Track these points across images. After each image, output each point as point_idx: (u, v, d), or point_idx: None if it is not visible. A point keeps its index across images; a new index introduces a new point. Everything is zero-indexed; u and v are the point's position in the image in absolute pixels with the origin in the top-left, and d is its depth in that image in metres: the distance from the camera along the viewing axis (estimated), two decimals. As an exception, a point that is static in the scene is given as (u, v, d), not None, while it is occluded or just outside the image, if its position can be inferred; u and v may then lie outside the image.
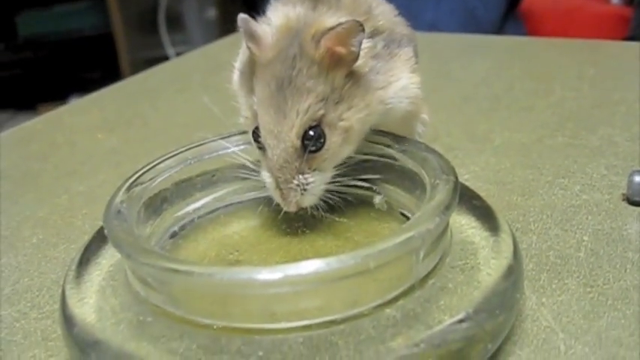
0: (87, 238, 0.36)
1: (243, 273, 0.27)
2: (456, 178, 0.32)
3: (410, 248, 0.28)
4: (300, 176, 0.34)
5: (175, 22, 2.13)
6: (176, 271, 0.27)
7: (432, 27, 1.04)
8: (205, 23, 2.13)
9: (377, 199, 0.38)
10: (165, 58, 2.06)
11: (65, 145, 0.58)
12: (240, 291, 0.27)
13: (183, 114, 0.64)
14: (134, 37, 2.01)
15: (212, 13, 2.10)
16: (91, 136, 0.60)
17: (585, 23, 1.33)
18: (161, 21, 2.07)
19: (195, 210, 0.39)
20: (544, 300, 0.33)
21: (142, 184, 0.35)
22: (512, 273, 0.31)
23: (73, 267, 0.33)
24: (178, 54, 2.07)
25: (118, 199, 0.33)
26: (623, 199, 0.42)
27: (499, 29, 1.14)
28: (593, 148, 0.49)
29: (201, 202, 0.39)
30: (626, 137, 0.51)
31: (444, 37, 0.88)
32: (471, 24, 1.08)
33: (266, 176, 0.35)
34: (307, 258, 0.34)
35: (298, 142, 0.33)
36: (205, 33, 2.12)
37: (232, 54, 0.40)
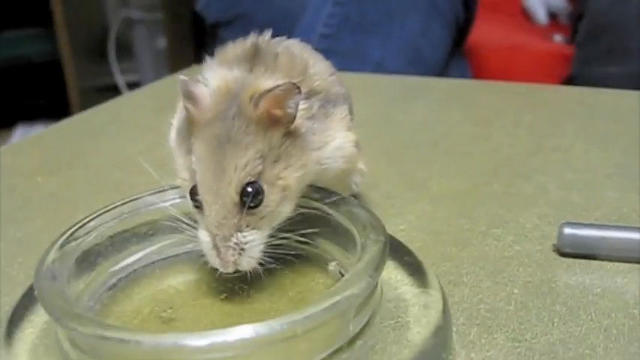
0: (21, 290, 0.36)
1: (169, 340, 0.27)
2: (385, 238, 0.33)
3: (337, 312, 0.28)
4: (239, 234, 0.34)
5: (125, 50, 2.12)
6: (104, 337, 0.27)
7: (379, 66, 1.06)
8: (155, 52, 2.13)
9: (331, 266, 0.38)
10: (114, 86, 2.06)
11: (3, 189, 0.57)
12: (168, 357, 0.27)
13: (125, 156, 0.63)
14: (83, 65, 1.99)
15: (162, 42, 2.09)
16: (31, 178, 0.59)
17: (529, 61, 1.36)
18: (111, 49, 2.05)
19: (130, 264, 0.39)
20: (473, 355, 0.34)
21: (75, 239, 0.35)
22: (441, 331, 0.31)
23: (4, 324, 0.33)
24: (128, 82, 2.07)
25: (49, 258, 0.33)
26: (554, 250, 0.43)
27: (445, 68, 1.16)
28: (526, 197, 0.51)
29: (136, 255, 0.39)
30: (559, 185, 0.52)
31: (387, 79, 0.90)
32: (418, 63, 1.09)
33: (203, 235, 0.35)
34: (242, 315, 0.35)
35: (237, 198, 0.34)
36: (155, 62, 2.12)
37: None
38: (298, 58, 0.39)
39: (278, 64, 0.37)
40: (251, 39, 0.39)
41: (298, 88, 0.34)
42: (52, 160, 0.64)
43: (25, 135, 1.85)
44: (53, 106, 1.91)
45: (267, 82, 0.35)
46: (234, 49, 0.39)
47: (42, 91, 2.08)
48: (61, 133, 0.73)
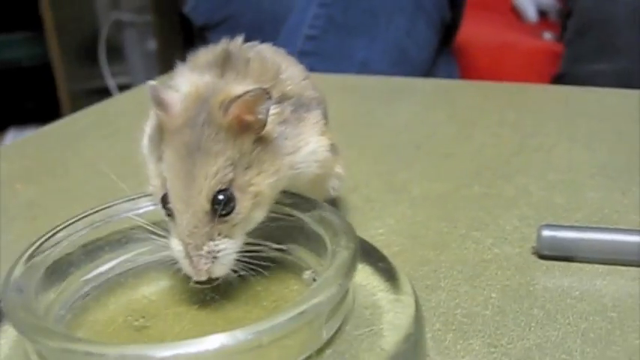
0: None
1: (134, 352, 0.26)
2: (355, 244, 0.33)
3: (304, 321, 0.28)
4: (211, 242, 0.34)
5: (115, 53, 2.11)
6: (69, 350, 0.27)
7: (364, 66, 1.05)
8: (146, 54, 2.13)
9: (305, 275, 0.37)
10: (105, 89, 2.05)
11: (-18, 196, 0.57)
12: (134, 370, 0.27)
13: (107, 162, 0.63)
14: (73, 68, 1.98)
15: (152, 44, 2.09)
16: (9, 186, 0.59)
17: (518, 59, 1.36)
18: (101, 52, 2.05)
19: (103, 272, 0.38)
20: (448, 362, 0.33)
21: (44, 250, 0.35)
22: (413, 338, 0.31)
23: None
24: (119, 85, 2.06)
25: (17, 270, 0.33)
26: (533, 253, 0.43)
27: (432, 67, 1.16)
28: (507, 199, 0.50)
29: (110, 264, 0.39)
30: (541, 186, 0.52)
31: (371, 80, 0.89)
32: (404, 63, 1.09)
33: (175, 244, 0.35)
34: (215, 324, 0.34)
35: (208, 206, 0.33)
36: (146, 64, 2.12)
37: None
38: (270, 63, 0.38)
39: (249, 70, 0.37)
40: (222, 44, 0.39)
41: (268, 93, 0.34)
42: (32, 166, 0.63)
43: (16, 139, 1.85)
44: (44, 110, 1.90)
45: (237, 87, 0.35)
46: (206, 54, 0.39)
47: (32, 94, 2.07)
48: (42, 139, 0.73)
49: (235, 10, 1.31)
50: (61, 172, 0.62)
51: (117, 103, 0.87)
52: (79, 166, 0.63)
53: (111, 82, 2.06)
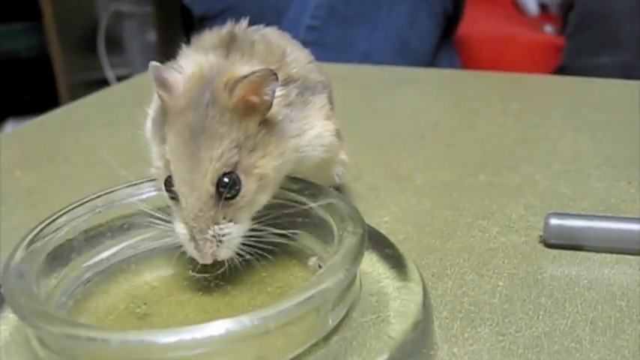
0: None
1: (137, 337, 0.26)
2: (363, 230, 0.32)
3: (311, 307, 0.27)
4: (216, 226, 0.33)
5: (115, 44, 2.10)
6: (70, 336, 0.26)
7: (366, 57, 1.05)
8: (145, 46, 2.11)
9: (311, 261, 0.37)
10: (104, 80, 2.04)
11: (-19, 183, 0.56)
12: (136, 355, 0.26)
13: (107, 150, 0.62)
14: (72, 60, 1.97)
15: (152, 36, 2.08)
16: (10, 173, 0.58)
17: (519, 52, 1.35)
18: (100, 43, 2.04)
19: (105, 258, 0.38)
20: (455, 350, 0.33)
21: (44, 236, 0.34)
22: (421, 326, 0.31)
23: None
24: (118, 76, 2.05)
25: (17, 256, 0.32)
26: (540, 241, 0.42)
27: (433, 59, 1.15)
28: (513, 187, 0.50)
29: (112, 250, 0.38)
30: (546, 176, 0.51)
31: (375, 69, 0.89)
32: (405, 54, 1.08)
33: (179, 227, 0.34)
34: (219, 311, 0.34)
35: (213, 189, 0.33)
36: (145, 56, 2.10)
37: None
38: (275, 45, 0.38)
39: (254, 51, 0.36)
40: (228, 27, 0.38)
41: (275, 74, 0.33)
42: (32, 154, 0.63)
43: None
44: (43, 101, 1.89)
45: (243, 68, 0.34)
46: (211, 36, 0.38)
47: (31, 86, 2.06)
48: (42, 128, 0.72)
49: (235, 1, 1.31)
50: (61, 160, 0.61)
51: (116, 92, 0.87)
52: (79, 153, 0.63)
53: (110, 74, 2.05)
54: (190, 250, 0.34)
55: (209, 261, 0.34)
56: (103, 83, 2.02)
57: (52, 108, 0.77)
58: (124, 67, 2.10)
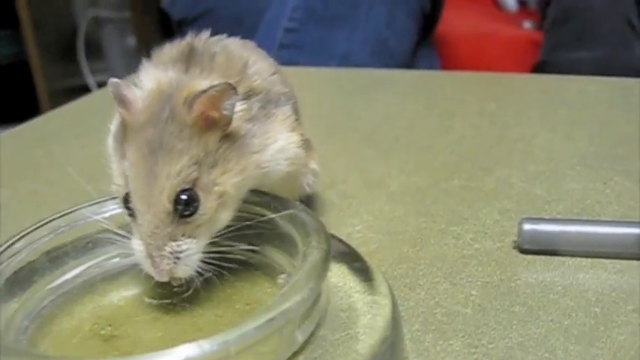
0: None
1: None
2: (328, 245, 0.31)
3: (274, 328, 0.27)
4: (173, 243, 0.33)
5: (95, 50, 2.09)
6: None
7: (345, 58, 1.04)
8: (125, 51, 2.10)
9: (280, 279, 0.36)
10: (85, 86, 2.02)
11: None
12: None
13: (77, 163, 0.61)
14: (52, 66, 1.96)
15: (132, 40, 2.07)
16: (-21, 189, 0.57)
17: (499, 48, 1.35)
18: (80, 49, 2.02)
19: (69, 279, 0.37)
20: (427, 364, 0.32)
21: (4, 260, 0.33)
22: (389, 341, 0.30)
23: None
24: (98, 82, 2.04)
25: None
26: (514, 247, 0.42)
27: (413, 58, 1.15)
28: (488, 191, 0.49)
29: (76, 270, 0.37)
30: (522, 178, 0.51)
31: (350, 72, 0.88)
32: (384, 54, 1.08)
33: (136, 244, 0.33)
34: (185, 331, 0.33)
35: (170, 206, 0.32)
36: (125, 61, 2.09)
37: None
38: (236, 57, 0.37)
39: (215, 64, 0.36)
40: (187, 39, 0.37)
41: (234, 88, 0.32)
42: (3, 168, 0.62)
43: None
44: (23, 109, 1.87)
45: (202, 82, 0.33)
46: (170, 50, 0.38)
47: (11, 93, 2.04)
48: (17, 139, 0.71)
49: (214, 4, 1.30)
50: (31, 174, 0.60)
51: (95, 99, 0.86)
52: (49, 167, 0.62)
53: (90, 80, 2.04)
54: (147, 267, 0.33)
55: (165, 278, 0.33)
56: (84, 89, 2.01)
57: (32, 115, 0.77)
58: (104, 73, 2.09)
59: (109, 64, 2.13)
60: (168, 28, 1.88)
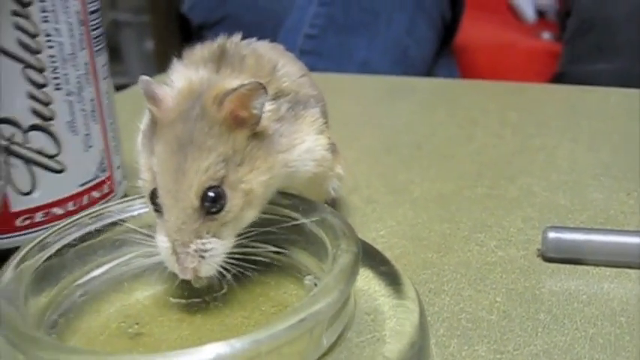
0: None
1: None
2: (358, 248, 0.31)
3: (304, 329, 0.27)
4: (199, 241, 0.33)
5: (113, 53, 2.09)
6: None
7: (365, 65, 1.04)
8: (144, 55, 2.12)
9: (307, 280, 0.36)
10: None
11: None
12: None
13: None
14: (70, 69, 1.97)
15: (150, 44, 2.08)
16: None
17: (517, 59, 1.35)
18: (98, 52, 2.03)
19: (97, 276, 0.37)
20: (453, 369, 0.32)
21: (35, 254, 0.34)
22: (417, 345, 0.30)
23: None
24: (116, 85, 2.04)
25: (7, 274, 0.32)
26: (538, 255, 0.42)
27: (432, 67, 1.15)
28: (511, 200, 0.49)
29: (103, 267, 0.37)
30: (544, 187, 0.51)
31: (371, 79, 0.88)
32: (404, 62, 1.08)
33: (161, 241, 0.33)
34: (212, 330, 0.33)
35: (197, 203, 0.32)
36: (144, 64, 2.11)
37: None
38: (266, 59, 0.37)
39: (245, 65, 0.36)
40: (218, 41, 0.38)
41: (264, 87, 0.32)
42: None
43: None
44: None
45: (232, 82, 0.34)
46: (201, 50, 0.38)
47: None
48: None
49: (233, 9, 1.31)
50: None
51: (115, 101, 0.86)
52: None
53: (108, 83, 2.05)
54: (171, 264, 0.33)
55: (189, 276, 0.33)
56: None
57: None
58: (122, 76, 2.10)
59: (127, 68, 2.14)
60: (186, 33, 1.90)
